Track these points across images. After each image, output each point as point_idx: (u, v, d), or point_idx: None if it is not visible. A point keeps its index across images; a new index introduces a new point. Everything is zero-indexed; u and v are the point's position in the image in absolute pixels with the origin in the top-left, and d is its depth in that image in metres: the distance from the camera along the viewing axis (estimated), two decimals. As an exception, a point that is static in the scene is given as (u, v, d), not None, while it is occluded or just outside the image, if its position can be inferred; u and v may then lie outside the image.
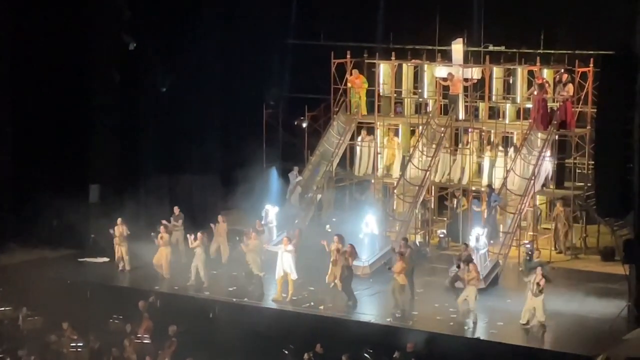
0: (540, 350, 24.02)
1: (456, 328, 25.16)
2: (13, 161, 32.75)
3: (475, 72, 32.94)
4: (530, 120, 31.88)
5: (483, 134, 33.30)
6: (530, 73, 32.78)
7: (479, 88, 33.16)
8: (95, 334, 25.73)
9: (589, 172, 30.99)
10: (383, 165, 33.81)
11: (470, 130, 32.68)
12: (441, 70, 33.51)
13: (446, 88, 33.31)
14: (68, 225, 31.50)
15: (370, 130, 34.29)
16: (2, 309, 28.00)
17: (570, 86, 31.45)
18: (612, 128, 24.97)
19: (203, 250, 28.75)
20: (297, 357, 24.48)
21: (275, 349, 25.01)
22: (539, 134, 31.65)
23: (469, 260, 26.01)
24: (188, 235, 29.17)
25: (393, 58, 34.12)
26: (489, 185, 31.23)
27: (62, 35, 32.34)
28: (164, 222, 29.69)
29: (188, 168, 34.76)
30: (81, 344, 25.54)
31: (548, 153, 31.50)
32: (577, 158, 32.23)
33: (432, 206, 33.28)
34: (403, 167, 32.68)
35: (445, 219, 33.35)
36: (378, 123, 34.01)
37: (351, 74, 34.18)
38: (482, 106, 32.97)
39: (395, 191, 32.02)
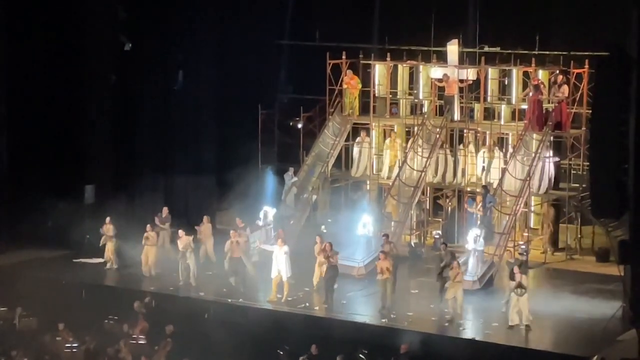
0: (535, 351, 23.99)
1: (451, 329, 25.17)
2: (8, 162, 32.74)
3: (470, 73, 32.97)
4: (525, 121, 31.91)
5: (478, 135, 33.34)
6: (526, 74, 32.79)
7: (474, 89, 33.17)
8: (91, 335, 25.69)
9: (584, 173, 31.03)
10: (386, 167, 33.73)
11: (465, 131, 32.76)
12: (436, 71, 33.51)
13: (441, 89, 33.32)
14: (63, 226, 31.47)
15: (369, 132, 34.31)
16: (-2, 309, 28.04)
17: (565, 87, 31.52)
18: (607, 129, 24.93)
19: (192, 251, 28.74)
20: (292, 358, 24.49)
21: (271, 349, 25.00)
22: (534, 135, 31.70)
23: (452, 258, 26.04)
24: (180, 231, 29.12)
25: (388, 59, 34.14)
26: (485, 186, 31.26)
27: (57, 36, 32.38)
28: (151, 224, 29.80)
29: (183, 169, 34.78)
30: (76, 345, 25.51)
31: (550, 154, 31.56)
32: (572, 159, 32.27)
33: (428, 207, 33.30)
34: (398, 168, 32.67)
35: (440, 220, 33.38)
36: (373, 124, 34.04)
37: (346, 75, 34.22)
38: (478, 107, 33.01)
39: (390, 192, 32.02)
